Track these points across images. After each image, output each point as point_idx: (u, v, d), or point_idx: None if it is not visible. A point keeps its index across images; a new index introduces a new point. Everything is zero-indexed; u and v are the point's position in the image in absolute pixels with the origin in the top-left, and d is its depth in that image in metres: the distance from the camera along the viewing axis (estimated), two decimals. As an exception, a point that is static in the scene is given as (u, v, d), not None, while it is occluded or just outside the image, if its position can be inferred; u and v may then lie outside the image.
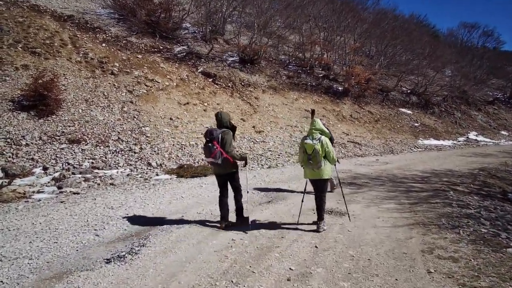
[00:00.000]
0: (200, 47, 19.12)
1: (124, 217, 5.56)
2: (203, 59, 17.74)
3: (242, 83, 17.32)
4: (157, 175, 8.68)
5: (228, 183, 5.15)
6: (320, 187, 4.98)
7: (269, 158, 11.77)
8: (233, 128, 5.14)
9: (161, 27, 17.92)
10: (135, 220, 5.46)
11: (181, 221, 5.38)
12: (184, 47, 18.24)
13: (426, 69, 26.24)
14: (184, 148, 10.96)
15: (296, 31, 24.49)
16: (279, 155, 12.25)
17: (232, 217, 5.32)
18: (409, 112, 23.26)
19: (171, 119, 12.35)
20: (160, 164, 9.67)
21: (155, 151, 10.30)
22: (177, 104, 13.45)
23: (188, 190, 7.34)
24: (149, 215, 5.76)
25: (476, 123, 26.63)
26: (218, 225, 5.09)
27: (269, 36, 21.47)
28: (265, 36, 21.49)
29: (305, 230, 5.00)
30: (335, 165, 5.19)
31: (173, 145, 10.95)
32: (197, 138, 11.82)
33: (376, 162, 12.33)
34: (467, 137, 22.39)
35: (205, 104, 14.33)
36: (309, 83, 20.70)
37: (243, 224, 5.14)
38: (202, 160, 10.20)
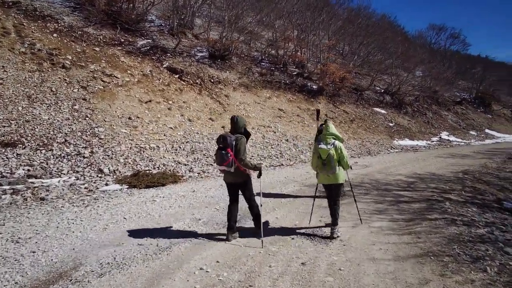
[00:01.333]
0: (166, 41, 17.77)
1: (24, 259, 3.98)
2: (169, 54, 16.44)
3: (212, 80, 16.18)
4: (106, 184, 7.42)
5: (240, 192, 4.87)
6: (335, 192, 4.96)
7: (240, 162, 10.74)
8: (247, 134, 4.85)
9: (123, 18, 16.42)
10: (39, 263, 3.89)
11: (111, 262, 3.95)
12: (148, 40, 16.84)
13: (399, 69, 26.12)
14: (143, 152, 9.73)
15: (269, 27, 23.58)
16: (250, 159, 11.25)
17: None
18: (383, 111, 22.97)
19: (130, 118, 11.05)
20: (114, 171, 8.41)
21: (108, 155, 9.01)
22: (138, 102, 12.14)
23: (135, 207, 6.12)
24: (66, 251, 4.21)
25: (447, 123, 26.85)
26: (224, 237, 4.74)
27: (240, 31, 20.42)
28: (236, 32, 20.41)
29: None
30: (347, 170, 5.06)
31: (130, 148, 9.69)
32: (159, 140, 10.61)
33: (355, 165, 11.60)
34: (440, 137, 22.38)
35: (170, 102, 13.08)
36: (283, 81, 19.85)
37: (257, 231, 4.77)
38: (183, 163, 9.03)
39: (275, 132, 14.19)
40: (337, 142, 4.81)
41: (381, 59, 26.46)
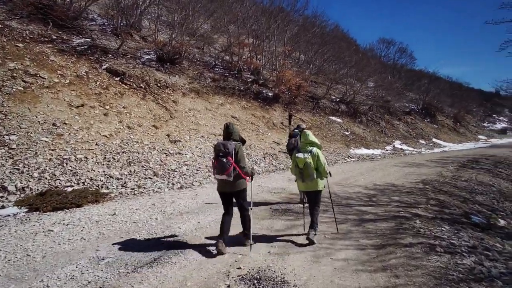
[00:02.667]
0: (108, 41, 16.16)
1: None
2: (110, 55, 14.86)
3: (158, 84, 14.82)
4: (1, 207, 5.88)
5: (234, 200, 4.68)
6: (313, 199, 5.03)
7: (184, 175, 9.54)
8: (243, 142, 4.77)
9: (57, 13, 14.62)
10: None
11: None
12: (87, 39, 15.12)
13: (354, 79, 26.38)
14: (67, 164, 8.20)
15: (223, 32, 22.67)
16: (197, 170, 10.08)
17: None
18: (339, 120, 22.85)
19: (54, 125, 9.42)
20: (23, 188, 6.86)
21: (18, 169, 7.40)
22: (67, 106, 10.51)
23: (15, 243, 4.54)
24: None
25: (399, 132, 27.49)
26: (214, 248, 4.42)
27: (192, 34, 19.29)
28: (187, 35, 19.26)
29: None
30: (326, 177, 5.07)
31: (49, 159, 8.11)
32: (89, 150, 9.11)
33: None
34: (393, 146, 22.66)
35: (107, 107, 11.56)
36: (237, 87, 18.93)
37: (246, 239, 4.66)
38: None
39: (226, 141, 13.14)
40: (314, 149, 4.91)
41: (336, 68, 26.59)
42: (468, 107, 51.64)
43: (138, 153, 9.91)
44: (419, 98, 41.09)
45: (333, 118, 22.71)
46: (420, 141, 28.10)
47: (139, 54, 16.77)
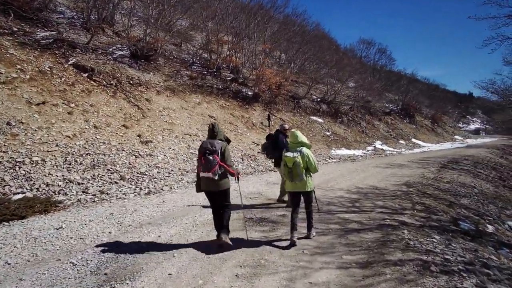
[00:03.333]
0: (77, 35, 15.19)
1: None
2: (79, 50, 13.91)
3: (131, 82, 13.98)
4: None
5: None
6: (306, 200, 4.97)
7: (155, 178, 8.82)
8: (228, 141, 4.83)
9: (19, 3, 13.55)
10: None
11: None
12: (52, 32, 14.10)
13: (334, 79, 26.15)
14: (20, 168, 7.36)
15: (202, 29, 21.97)
16: (169, 173, 9.38)
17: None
18: (320, 120, 22.53)
19: (9, 124, 8.52)
20: (-37, 196, 6.00)
21: (-41, 175, 6.53)
22: (26, 104, 9.59)
23: None
24: None
25: (379, 133, 27.49)
26: (217, 239, 4.57)
27: (168, 30, 18.48)
28: (163, 30, 18.44)
29: None
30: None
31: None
32: (48, 151, 8.27)
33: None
34: (374, 146, 22.54)
35: (72, 105, 10.68)
36: (215, 86, 18.26)
37: (224, 244, 4.50)
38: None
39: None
40: (304, 149, 4.82)
41: (317, 67, 26.30)
42: (445, 108, 52.73)
43: (105, 155, 9.12)
44: (398, 99, 41.51)
45: (314, 118, 22.37)
46: (400, 141, 28.21)
47: (111, 49, 15.86)
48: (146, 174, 8.88)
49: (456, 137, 46.91)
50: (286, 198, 7.01)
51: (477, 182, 11.62)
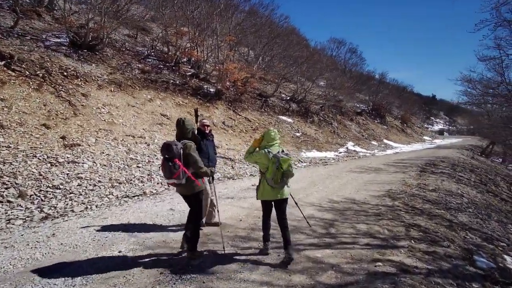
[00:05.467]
0: (1, 18, 12.73)
1: None
2: (-2, 33, 11.49)
3: (65, 73, 11.70)
4: None
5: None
6: (282, 210, 4.27)
7: (71, 194, 6.76)
8: (196, 139, 4.30)
9: None
10: None
11: None
12: (-35, 12, 11.59)
13: (304, 75, 24.69)
14: None
15: (157, 17, 19.82)
16: (94, 186, 7.33)
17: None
18: (289, 120, 20.96)
19: None
20: None
21: None
22: None
23: None
24: None
25: (351, 133, 26.38)
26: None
27: (116, 17, 16.21)
28: (112, 17, 16.17)
29: None
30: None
31: None
32: None
33: (252, 189, 8.56)
34: (347, 147, 21.26)
35: (-27, 98, 8.37)
36: (172, 81, 16.21)
37: (192, 258, 4.10)
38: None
39: (149, 145, 10.45)
40: (286, 150, 4.32)
41: (287, 63, 24.77)
42: (413, 110, 53.16)
43: (4, 163, 6.92)
44: (369, 99, 41.01)
45: (283, 117, 20.78)
46: (372, 142, 27.28)
47: (44, 36, 13.46)
48: (60, 188, 6.79)
49: (425, 137, 47.20)
50: (216, 219, 5.28)
51: (462, 189, 10.38)
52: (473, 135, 71.46)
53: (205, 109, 15.83)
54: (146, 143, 10.50)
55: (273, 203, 4.25)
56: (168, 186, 6.03)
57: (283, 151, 4.17)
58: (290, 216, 6.04)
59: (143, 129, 11.39)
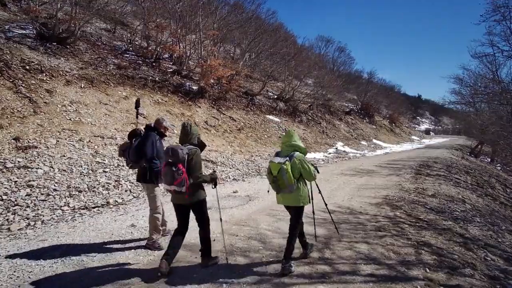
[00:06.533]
0: (-44, 6, 11.48)
1: None
2: (-50, 22, 10.25)
3: (27, 67, 10.52)
4: None
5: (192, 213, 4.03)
6: (294, 216, 4.09)
7: (17, 206, 5.68)
8: (201, 146, 4.09)
9: None
10: None
11: None
12: None
13: (292, 72, 23.82)
14: None
15: (136, 11, 18.68)
16: (47, 196, 6.25)
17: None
18: (277, 119, 20.06)
19: None
20: None
21: None
22: None
23: None
24: None
25: (340, 133, 25.66)
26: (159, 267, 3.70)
27: (89, 7, 15.03)
28: (85, 8, 14.99)
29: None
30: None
31: None
32: None
33: (234, 197, 7.59)
34: (336, 148, 20.46)
35: None
36: (151, 78, 15.11)
37: (209, 265, 4.01)
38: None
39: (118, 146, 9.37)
40: (296, 154, 3.99)
41: (274, 60, 23.85)
42: (400, 109, 53.03)
43: None
44: (357, 98, 40.54)
45: (270, 117, 19.86)
46: (362, 142, 26.62)
47: (7, 27, 12.24)
48: (2, 200, 5.69)
49: (413, 137, 47.06)
50: (150, 241, 4.60)
51: (463, 193, 9.66)
52: (459, 135, 72.48)
53: (186, 108, 14.78)
54: (117, 144, 9.41)
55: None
56: (165, 192, 5.18)
57: (291, 156, 3.92)
58: (276, 232, 5.14)
59: (115, 129, 10.30)
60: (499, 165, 31.40)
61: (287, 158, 3.94)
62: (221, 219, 4.38)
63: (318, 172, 4.26)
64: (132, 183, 7.78)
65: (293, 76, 24.75)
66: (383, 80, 56.08)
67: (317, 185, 4.90)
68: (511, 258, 5.14)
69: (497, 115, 21.96)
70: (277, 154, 4.12)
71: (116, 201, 6.64)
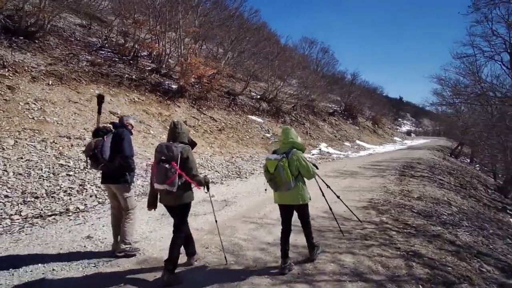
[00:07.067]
0: None
1: None
2: None
3: (-13, 62, 9.71)
4: None
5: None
6: (301, 216, 4.07)
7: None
8: (192, 145, 3.86)
9: None
10: None
11: None
12: None
13: (276, 72, 23.40)
14: None
15: (116, 6, 17.90)
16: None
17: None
18: (260, 120, 19.60)
19: None
20: None
21: None
22: None
23: None
24: None
25: (324, 134, 25.42)
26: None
27: (61, 1, 14.20)
28: (54, 1, 14.16)
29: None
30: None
31: None
32: None
33: (209, 202, 7.06)
34: (320, 149, 20.13)
35: None
36: (127, 76, 14.39)
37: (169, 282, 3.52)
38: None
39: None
40: (293, 151, 3.96)
41: (257, 60, 23.40)
42: (383, 111, 53.54)
43: None
44: (341, 99, 40.59)
45: (253, 117, 19.38)
46: (345, 143, 26.46)
47: (-32, 19, 11.36)
48: None
49: (395, 138, 47.49)
50: (126, 245, 4.22)
51: (448, 195, 9.41)
52: (439, 136, 73.98)
53: (165, 107, 14.14)
54: (85, 145, 8.72)
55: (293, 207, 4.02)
56: (155, 193, 4.91)
57: (288, 153, 3.89)
58: (252, 243, 4.64)
59: (85, 128, 9.59)
60: (478, 165, 31.91)
61: (284, 155, 3.88)
62: (216, 220, 4.22)
63: (317, 168, 4.25)
64: (99, 187, 7.13)
65: (277, 76, 24.34)
66: (366, 82, 56.59)
67: (323, 180, 4.86)
68: (506, 268, 4.81)
69: (477, 116, 22.20)
70: (274, 152, 4.08)
71: (78, 208, 6.00)
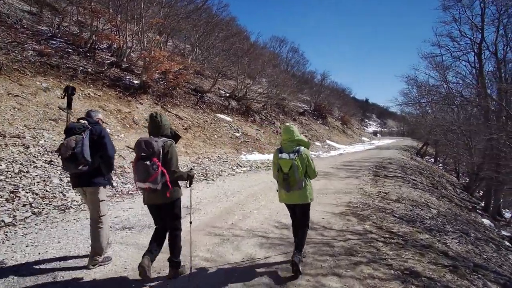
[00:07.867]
0: None
1: None
2: None
3: None
4: None
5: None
6: (302, 214, 3.99)
7: None
8: (175, 138, 3.61)
9: None
10: None
11: None
12: None
13: (245, 70, 22.61)
14: None
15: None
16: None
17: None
18: (228, 119, 18.72)
19: None
20: None
21: None
22: None
23: None
24: None
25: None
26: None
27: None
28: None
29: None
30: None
31: None
32: None
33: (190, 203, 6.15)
34: (291, 149, 19.61)
35: None
36: (82, 69, 13.04)
37: (176, 276, 3.53)
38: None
39: (28, 147, 7.46)
40: (302, 149, 3.89)
41: (227, 55, 22.52)
42: (351, 111, 54.42)
43: None
44: (311, 99, 40.59)
45: (221, 116, 18.48)
46: (316, 143, 26.18)
47: None
48: None
49: (364, 138, 48.29)
50: (100, 257, 3.81)
51: (424, 196, 9.10)
52: (403, 136, 76.56)
53: (125, 104, 12.94)
54: (24, 145, 7.48)
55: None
56: (137, 190, 4.81)
57: (298, 151, 3.78)
58: (217, 263, 3.79)
59: (25, 125, 8.31)
60: (441, 164, 32.93)
61: (296, 153, 3.77)
62: (191, 222, 3.80)
63: (316, 175, 4.12)
64: (37, 194, 5.99)
65: (246, 74, 23.57)
66: (335, 82, 57.26)
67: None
68: (508, 284, 4.32)
69: (443, 116, 22.60)
70: (280, 151, 3.93)
71: (1, 222, 4.86)
